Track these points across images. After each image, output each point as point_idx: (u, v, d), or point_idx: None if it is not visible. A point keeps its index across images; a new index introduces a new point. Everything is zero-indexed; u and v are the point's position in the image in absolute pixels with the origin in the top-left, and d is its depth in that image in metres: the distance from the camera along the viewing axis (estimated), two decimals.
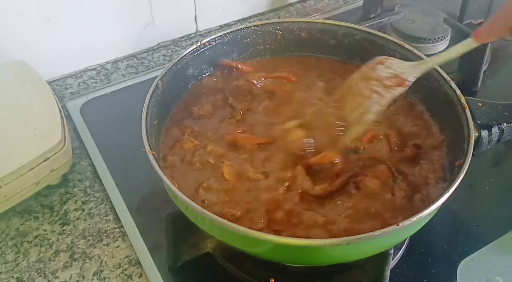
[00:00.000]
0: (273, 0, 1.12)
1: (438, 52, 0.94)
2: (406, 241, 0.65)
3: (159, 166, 0.54)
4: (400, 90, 0.60)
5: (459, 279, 0.62)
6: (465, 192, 0.72)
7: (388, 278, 0.56)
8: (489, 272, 0.62)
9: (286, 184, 0.59)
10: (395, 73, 0.60)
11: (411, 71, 0.60)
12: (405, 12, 0.99)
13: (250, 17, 1.11)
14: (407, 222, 0.48)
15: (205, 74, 0.75)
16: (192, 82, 0.73)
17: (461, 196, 0.71)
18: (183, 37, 1.05)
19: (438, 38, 0.94)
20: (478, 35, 0.57)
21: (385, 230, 0.47)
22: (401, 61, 0.62)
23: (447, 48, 0.96)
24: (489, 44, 0.84)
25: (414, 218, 0.48)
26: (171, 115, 0.69)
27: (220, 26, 1.08)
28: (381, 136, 0.66)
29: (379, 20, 0.96)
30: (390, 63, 0.61)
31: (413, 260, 0.64)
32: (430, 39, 0.94)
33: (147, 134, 0.57)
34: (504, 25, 0.55)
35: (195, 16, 1.03)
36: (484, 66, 0.89)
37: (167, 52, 1.02)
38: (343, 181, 0.59)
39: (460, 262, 0.63)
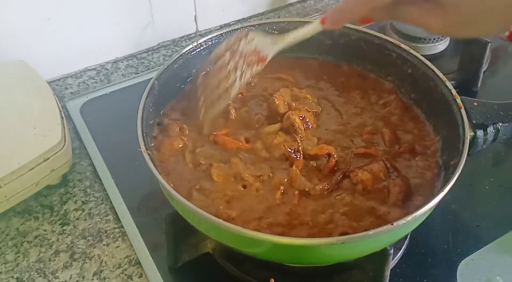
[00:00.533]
0: (273, 0, 1.13)
1: (438, 52, 0.95)
2: (406, 241, 0.65)
3: (154, 165, 0.54)
4: (260, 67, 0.60)
5: (459, 279, 0.62)
6: (465, 192, 0.72)
7: (388, 278, 0.56)
8: (489, 272, 0.62)
9: (282, 188, 0.59)
10: (256, 50, 0.60)
11: (270, 48, 0.60)
12: None
13: (250, 17, 1.11)
14: (401, 221, 0.48)
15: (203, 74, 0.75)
16: (188, 82, 0.73)
17: (461, 196, 0.71)
18: (183, 37, 1.05)
19: (438, 38, 0.94)
20: (325, 21, 0.56)
21: (380, 229, 0.48)
22: (262, 36, 0.62)
23: (446, 48, 0.96)
24: (489, 44, 0.84)
25: (409, 217, 0.49)
26: (167, 114, 0.69)
27: (220, 26, 1.08)
28: (376, 134, 0.66)
29: None
30: (252, 36, 0.61)
31: (413, 260, 0.64)
32: (429, 39, 0.94)
33: (143, 134, 0.58)
34: (355, 10, 0.53)
35: (195, 16, 1.03)
36: (484, 66, 0.89)
37: (167, 52, 1.02)
38: (339, 177, 0.60)
39: (460, 262, 0.63)
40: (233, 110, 0.69)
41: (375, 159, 0.62)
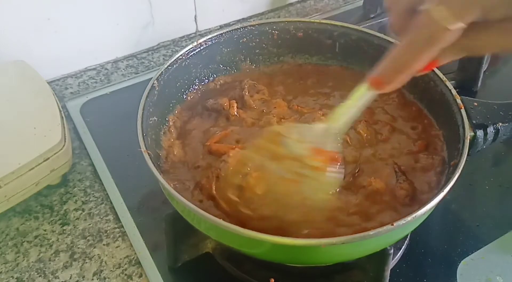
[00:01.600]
0: (273, 0, 1.13)
1: None
2: (406, 241, 0.65)
3: (154, 165, 0.54)
4: (340, 167, 0.47)
5: (459, 279, 0.62)
6: (465, 192, 0.72)
7: (388, 278, 0.56)
8: (489, 272, 0.62)
9: None
10: (313, 147, 0.46)
11: (328, 139, 0.47)
12: None
13: (250, 17, 1.11)
14: (401, 222, 0.48)
15: (202, 73, 0.75)
16: (189, 82, 0.73)
17: (461, 196, 0.71)
18: (183, 37, 1.05)
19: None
20: (379, 86, 0.43)
21: (380, 229, 0.47)
22: (303, 125, 0.51)
23: None
24: None
25: (409, 218, 0.48)
26: (168, 115, 0.69)
27: (220, 26, 1.08)
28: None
29: (379, 20, 0.96)
30: (296, 133, 0.47)
31: (413, 260, 0.64)
32: None
33: (142, 134, 0.57)
34: (416, 63, 0.40)
35: (195, 16, 1.03)
36: (484, 66, 0.89)
37: (167, 52, 1.02)
38: (350, 179, 0.59)
39: (460, 262, 0.63)
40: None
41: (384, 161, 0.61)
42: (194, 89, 0.74)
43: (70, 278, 0.64)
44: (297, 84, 0.75)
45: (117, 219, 0.70)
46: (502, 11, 0.38)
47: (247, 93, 0.71)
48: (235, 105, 0.69)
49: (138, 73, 0.96)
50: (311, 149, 0.45)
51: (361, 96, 0.45)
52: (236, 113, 0.69)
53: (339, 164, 0.46)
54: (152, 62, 0.99)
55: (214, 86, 0.75)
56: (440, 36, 0.38)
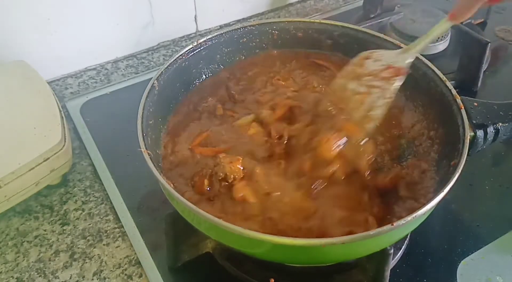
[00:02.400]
0: (273, 0, 1.13)
1: (438, 52, 0.95)
2: (406, 241, 0.65)
3: (154, 165, 0.54)
4: (401, 79, 0.59)
5: (459, 279, 0.62)
6: (465, 192, 0.72)
7: (388, 278, 0.56)
8: (489, 272, 0.62)
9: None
10: (387, 64, 0.60)
11: (401, 59, 0.60)
12: (405, 12, 0.99)
13: (250, 17, 1.11)
14: (401, 222, 0.48)
15: (202, 73, 0.75)
16: (189, 81, 0.73)
17: (461, 196, 0.71)
18: (183, 37, 1.05)
19: (438, 38, 0.94)
20: (454, 17, 0.57)
21: (380, 229, 0.48)
22: (386, 51, 0.62)
23: (446, 48, 0.96)
24: (489, 44, 0.84)
25: (409, 218, 0.49)
26: (168, 115, 0.69)
27: (220, 26, 1.08)
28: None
29: (379, 20, 0.96)
30: (377, 55, 0.61)
31: (413, 260, 0.64)
32: None
33: (142, 134, 0.58)
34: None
35: (195, 16, 1.03)
36: (484, 66, 0.89)
37: (167, 52, 1.02)
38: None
39: (460, 262, 0.63)
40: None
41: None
42: (194, 89, 0.74)
43: (70, 278, 0.64)
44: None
45: (117, 219, 0.70)
46: None
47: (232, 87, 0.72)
48: (220, 106, 0.70)
49: (138, 73, 0.96)
50: (385, 66, 0.59)
51: (440, 31, 0.59)
52: (223, 113, 0.69)
53: (402, 75, 0.59)
54: (152, 62, 0.99)
55: (206, 86, 0.75)
56: None
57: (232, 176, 0.58)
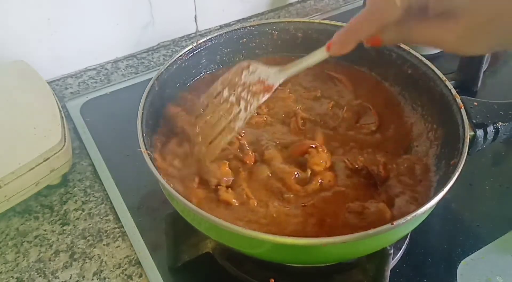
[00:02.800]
0: (273, 0, 1.13)
1: (438, 52, 0.95)
2: (406, 241, 0.65)
3: (154, 165, 0.54)
4: (266, 96, 0.59)
5: (459, 279, 0.62)
6: (465, 192, 0.72)
7: (388, 278, 0.56)
8: (489, 272, 0.62)
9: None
10: (260, 80, 0.59)
11: (275, 78, 0.59)
12: None
13: (250, 17, 1.11)
14: (401, 221, 0.48)
15: (202, 73, 0.75)
16: (189, 82, 0.73)
17: (461, 196, 0.71)
18: (183, 37, 1.05)
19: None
20: (331, 46, 0.53)
21: (380, 229, 0.48)
22: (265, 66, 0.60)
23: None
24: None
25: (409, 217, 0.49)
26: (164, 113, 0.69)
27: (220, 26, 1.08)
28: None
29: None
30: (254, 68, 0.60)
31: (413, 260, 0.64)
32: None
33: (143, 134, 0.58)
34: (362, 30, 0.50)
35: (195, 16, 1.03)
36: (484, 66, 0.89)
37: (167, 52, 1.02)
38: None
39: (460, 262, 0.63)
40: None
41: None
42: (194, 89, 0.74)
43: (70, 278, 0.64)
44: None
45: (117, 219, 0.70)
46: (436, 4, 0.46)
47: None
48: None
49: (138, 73, 0.96)
50: (257, 79, 0.59)
51: (317, 58, 0.57)
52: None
53: (268, 93, 0.59)
54: (152, 62, 0.99)
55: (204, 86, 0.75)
56: (386, 10, 0.47)
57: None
